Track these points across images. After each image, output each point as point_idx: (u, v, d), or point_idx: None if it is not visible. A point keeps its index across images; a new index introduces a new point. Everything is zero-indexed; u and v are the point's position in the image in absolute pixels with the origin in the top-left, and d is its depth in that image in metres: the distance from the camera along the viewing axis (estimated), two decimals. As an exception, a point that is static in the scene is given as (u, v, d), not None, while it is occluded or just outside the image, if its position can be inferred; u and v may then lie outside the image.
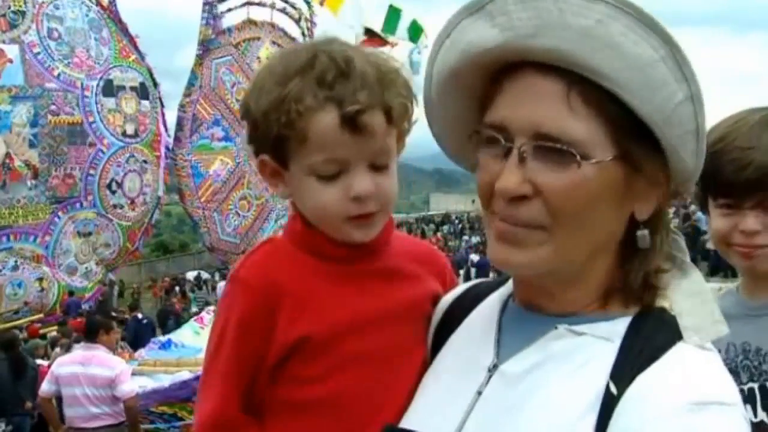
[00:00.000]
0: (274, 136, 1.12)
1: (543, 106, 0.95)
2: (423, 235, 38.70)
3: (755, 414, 1.57)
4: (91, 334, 6.86)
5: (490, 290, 1.22)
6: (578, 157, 0.93)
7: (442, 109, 1.11)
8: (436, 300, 1.27)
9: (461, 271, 23.48)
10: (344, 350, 1.15)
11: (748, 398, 1.60)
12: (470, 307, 1.21)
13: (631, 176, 0.97)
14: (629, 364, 0.93)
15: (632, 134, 0.96)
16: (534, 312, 1.07)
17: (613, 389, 0.91)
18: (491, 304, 1.18)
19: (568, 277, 1.02)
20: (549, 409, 0.94)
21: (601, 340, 0.98)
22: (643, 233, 1.02)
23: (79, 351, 6.97)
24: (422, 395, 1.14)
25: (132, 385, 6.52)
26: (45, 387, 6.78)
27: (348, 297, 1.17)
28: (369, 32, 28.86)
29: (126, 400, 6.37)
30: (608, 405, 0.90)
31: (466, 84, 1.05)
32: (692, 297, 1.03)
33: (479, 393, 1.03)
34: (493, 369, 1.05)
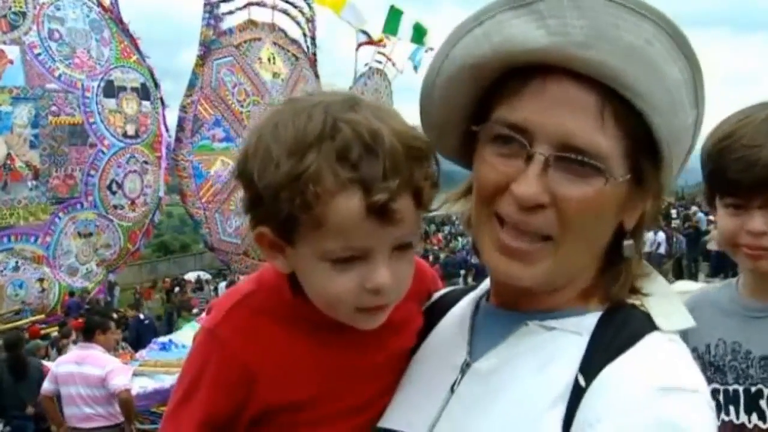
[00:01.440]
0: (284, 217, 0.96)
1: (577, 118, 0.93)
2: (426, 235, 38.66)
3: (737, 416, 1.57)
4: (87, 333, 6.90)
5: (463, 294, 1.24)
6: (606, 174, 0.94)
7: (443, 92, 1.05)
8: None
9: (462, 272, 23.46)
10: (334, 407, 1.11)
11: (731, 400, 1.59)
12: (445, 310, 1.23)
13: (632, 190, 0.99)
14: (598, 356, 0.94)
15: (645, 152, 0.97)
16: (507, 310, 1.08)
17: (582, 381, 0.92)
18: (464, 305, 1.19)
19: (560, 284, 1.03)
20: (519, 402, 0.95)
21: (571, 334, 0.99)
22: (629, 243, 1.04)
23: (76, 350, 7.00)
24: (399, 395, 1.15)
25: (124, 379, 6.46)
26: (46, 385, 6.84)
27: (339, 362, 1.11)
28: (365, 35, 28.93)
29: (118, 393, 6.32)
30: (576, 396, 0.91)
31: (481, 75, 1.01)
32: (660, 297, 1.05)
33: (453, 390, 1.05)
34: (465, 367, 1.06)
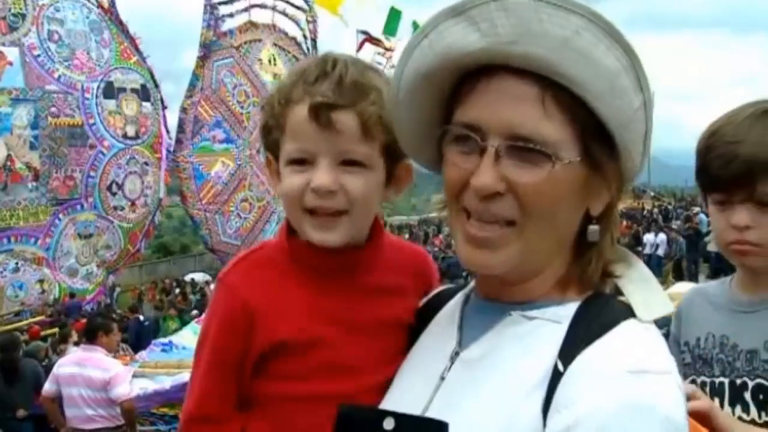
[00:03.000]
0: (263, 126, 1.25)
1: (519, 109, 1.01)
2: (426, 237, 38.66)
3: (722, 408, 1.58)
4: (90, 335, 6.88)
5: (458, 290, 1.31)
6: (552, 158, 1.00)
7: (408, 106, 1.14)
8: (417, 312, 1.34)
9: (464, 273, 23.45)
10: (321, 357, 1.21)
11: (717, 392, 1.62)
12: (441, 304, 1.30)
13: (590, 175, 1.05)
14: (575, 343, 1.00)
15: (595, 137, 1.03)
16: (493, 302, 1.15)
17: (560, 367, 0.98)
18: (456, 300, 1.27)
19: (531, 270, 1.09)
20: (502, 387, 1.02)
21: (551, 323, 1.05)
22: (594, 228, 1.10)
23: (78, 352, 7.00)
24: (397, 382, 1.22)
25: (127, 388, 6.44)
26: (47, 387, 6.83)
27: (328, 309, 1.23)
28: (365, 34, 28.89)
29: (122, 402, 6.31)
30: (555, 381, 0.97)
31: (437, 83, 1.09)
32: (640, 282, 1.11)
33: (443, 378, 1.12)
34: (455, 356, 1.13)
